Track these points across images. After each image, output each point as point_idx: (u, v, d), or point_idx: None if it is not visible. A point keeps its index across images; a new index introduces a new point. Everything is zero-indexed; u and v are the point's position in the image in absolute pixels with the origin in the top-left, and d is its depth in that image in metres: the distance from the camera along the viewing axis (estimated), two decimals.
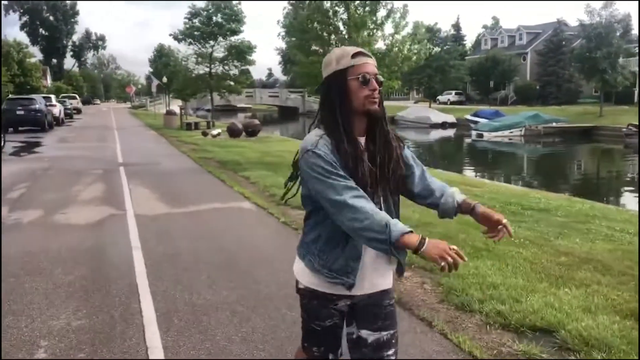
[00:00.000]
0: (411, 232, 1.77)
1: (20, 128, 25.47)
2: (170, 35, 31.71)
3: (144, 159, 14.88)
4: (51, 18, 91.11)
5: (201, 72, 30.69)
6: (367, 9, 13.17)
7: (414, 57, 13.77)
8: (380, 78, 1.96)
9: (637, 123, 29.43)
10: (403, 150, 2.09)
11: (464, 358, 3.29)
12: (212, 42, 30.18)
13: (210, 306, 4.14)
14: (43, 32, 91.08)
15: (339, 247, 1.97)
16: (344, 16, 13.45)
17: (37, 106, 25.80)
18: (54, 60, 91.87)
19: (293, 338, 3.55)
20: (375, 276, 2.05)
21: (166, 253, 5.59)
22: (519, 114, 35.48)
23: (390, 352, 2.10)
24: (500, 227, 1.99)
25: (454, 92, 59.08)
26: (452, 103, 57.06)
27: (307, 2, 14.19)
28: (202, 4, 30.62)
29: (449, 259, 1.70)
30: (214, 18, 29.93)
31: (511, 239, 2.26)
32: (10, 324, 3.80)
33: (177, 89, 33.51)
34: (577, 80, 47.47)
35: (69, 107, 40.92)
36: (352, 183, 1.87)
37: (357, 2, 13.20)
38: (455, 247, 1.72)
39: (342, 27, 13.66)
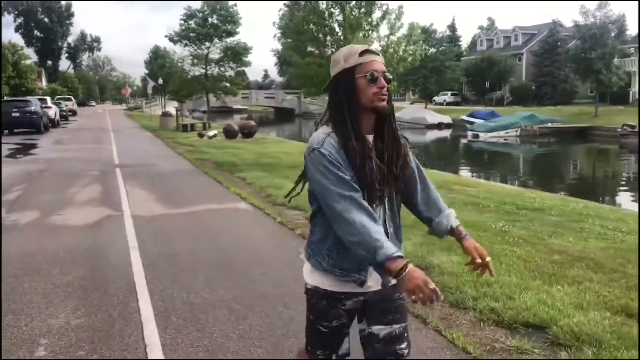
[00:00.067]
0: (398, 257, 1.77)
1: (15, 130, 25.43)
2: (165, 36, 31.70)
3: (140, 160, 14.90)
4: (46, 20, 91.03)
5: (197, 73, 30.74)
6: (362, 10, 13.25)
7: (410, 58, 13.84)
8: (389, 75, 1.97)
9: (632, 123, 29.63)
10: (410, 149, 2.10)
11: (458, 353, 3.35)
12: (207, 44, 30.22)
13: (207, 304, 4.19)
14: (38, 33, 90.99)
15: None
16: (340, 18, 13.53)
17: (32, 108, 25.74)
18: (49, 62, 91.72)
19: (289, 335, 3.61)
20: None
21: (163, 253, 5.64)
22: (515, 115, 35.65)
23: (403, 345, 2.11)
24: (483, 264, 2.04)
25: (449, 92, 59.23)
26: (448, 104, 57.21)
27: (303, 3, 14.25)
28: (197, 5, 30.70)
29: (421, 295, 1.74)
30: (210, 19, 29.98)
31: (492, 277, 2.38)
32: (10, 323, 3.84)
33: (173, 90, 33.56)
34: (573, 80, 47.67)
35: (65, 109, 40.85)
36: (352, 189, 1.87)
37: (353, 3, 13.27)
38: (433, 286, 1.74)
39: (337, 29, 13.73)
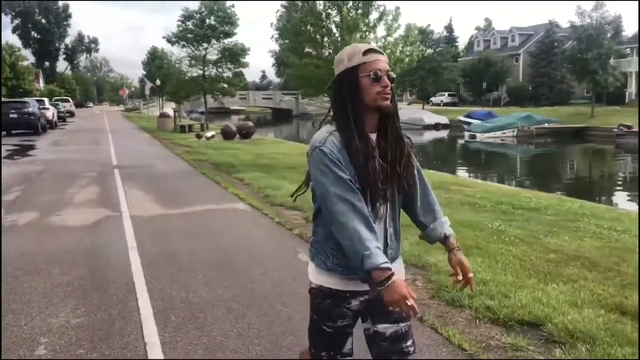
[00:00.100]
0: (385, 268, 1.80)
1: (13, 131, 25.42)
2: (163, 37, 31.88)
3: (139, 161, 14.93)
4: (43, 21, 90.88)
5: (194, 74, 30.72)
6: (359, 11, 13.31)
7: (407, 59, 13.91)
8: (392, 74, 1.97)
9: (628, 123, 29.75)
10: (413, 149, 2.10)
11: (454, 350, 3.39)
12: (205, 45, 30.22)
13: (206, 303, 4.22)
14: (35, 35, 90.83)
15: None
16: (337, 19, 13.59)
17: (30, 109, 25.74)
18: (47, 63, 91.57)
19: (288, 333, 3.65)
20: (394, 266, 2.02)
21: (162, 253, 5.67)
22: (512, 115, 35.76)
23: (409, 342, 2.11)
24: (465, 280, 2.09)
25: (447, 93, 59.41)
26: (445, 104, 57.34)
27: (300, 4, 14.30)
28: (195, 7, 30.70)
29: (397, 308, 1.81)
30: (207, 21, 29.97)
31: (472, 292, 2.46)
32: (10, 322, 3.87)
33: (171, 91, 33.52)
34: (569, 81, 47.90)
35: (62, 110, 40.88)
36: (350, 189, 1.88)
37: (350, 4, 13.33)
38: (411, 303, 1.78)
39: (335, 30, 13.79)
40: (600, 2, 36.81)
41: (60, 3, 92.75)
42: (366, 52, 1.94)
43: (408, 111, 46.64)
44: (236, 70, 31.54)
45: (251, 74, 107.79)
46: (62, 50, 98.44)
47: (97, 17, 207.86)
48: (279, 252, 5.81)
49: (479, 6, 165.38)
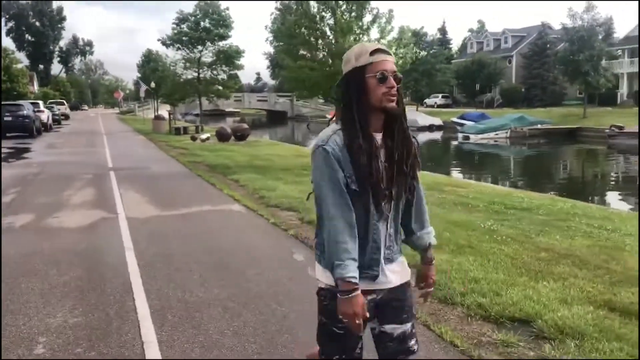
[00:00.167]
0: (351, 282, 1.88)
1: (8, 134, 25.34)
2: (158, 40, 31.66)
3: (134, 163, 14.96)
4: (37, 23, 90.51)
5: (189, 77, 30.76)
6: (353, 14, 13.38)
7: (400, 62, 13.97)
8: (399, 75, 1.97)
9: (620, 124, 29.97)
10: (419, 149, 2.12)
11: (446, 347, 3.46)
12: (200, 47, 30.26)
13: (202, 303, 4.28)
14: (29, 37, 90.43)
15: (359, 242, 1.97)
16: (331, 21, 13.65)
17: (24, 112, 25.67)
18: (41, 66, 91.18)
19: (283, 331, 3.72)
20: (394, 266, 2.10)
21: (158, 254, 5.72)
22: (505, 116, 35.95)
23: (413, 341, 2.16)
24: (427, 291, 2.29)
25: (440, 95, 59.66)
26: (439, 106, 57.53)
27: (295, 7, 14.37)
28: (190, 9, 30.73)
29: (346, 322, 1.92)
30: (202, 23, 30.02)
31: (424, 303, 2.78)
32: (8, 322, 3.92)
33: (166, 93, 33.53)
34: (562, 82, 48.18)
35: (57, 113, 40.77)
36: (342, 194, 1.91)
37: (344, 7, 13.41)
38: (359, 322, 1.89)
39: (329, 32, 13.85)
40: (592, 2, 37.11)
41: (55, 5, 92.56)
42: (373, 52, 1.95)
43: None
44: (231, 72, 31.56)
45: (246, 76, 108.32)
46: (57, 52, 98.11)
47: (91, 19, 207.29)
48: (275, 252, 5.87)
49: (472, 6, 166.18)
